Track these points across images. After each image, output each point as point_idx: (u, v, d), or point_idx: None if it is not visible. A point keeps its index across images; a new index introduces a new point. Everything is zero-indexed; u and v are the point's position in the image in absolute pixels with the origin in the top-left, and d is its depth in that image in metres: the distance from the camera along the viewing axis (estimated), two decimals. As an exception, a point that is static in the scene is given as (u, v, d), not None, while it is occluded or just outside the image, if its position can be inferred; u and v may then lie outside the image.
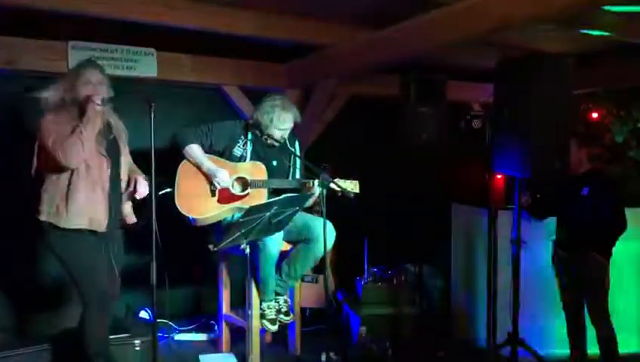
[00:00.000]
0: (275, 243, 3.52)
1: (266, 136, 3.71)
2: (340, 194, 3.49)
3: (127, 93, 3.16)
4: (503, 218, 3.74)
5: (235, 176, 3.65)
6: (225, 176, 3.60)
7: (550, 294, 3.88)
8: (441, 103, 4.01)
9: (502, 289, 3.68)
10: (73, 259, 2.99)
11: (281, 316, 3.79)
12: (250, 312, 3.40)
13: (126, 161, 3.21)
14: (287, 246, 3.76)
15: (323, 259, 3.48)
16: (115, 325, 3.48)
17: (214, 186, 3.60)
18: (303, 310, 4.40)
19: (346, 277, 4.82)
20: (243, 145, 3.74)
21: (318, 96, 4.75)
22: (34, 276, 4.11)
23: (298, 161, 3.84)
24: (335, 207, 3.43)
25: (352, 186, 3.59)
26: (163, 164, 2.98)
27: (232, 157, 3.72)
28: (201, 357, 3.82)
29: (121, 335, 3.55)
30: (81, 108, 2.96)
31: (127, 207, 3.20)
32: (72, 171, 2.92)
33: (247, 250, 3.10)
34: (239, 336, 3.86)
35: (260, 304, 3.72)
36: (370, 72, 4.53)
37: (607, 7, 3.38)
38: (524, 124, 3.31)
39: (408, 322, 4.41)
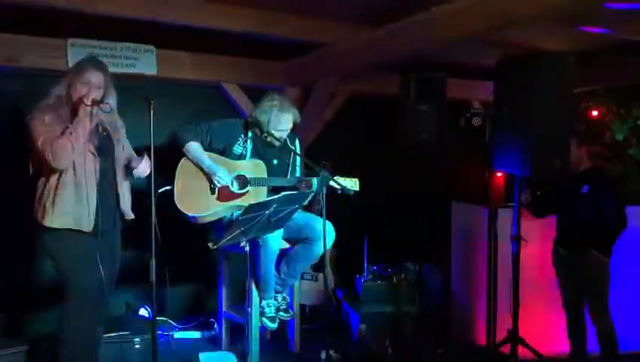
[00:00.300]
0: (276, 240, 3.52)
1: (265, 135, 3.71)
2: (339, 191, 3.49)
3: (126, 90, 3.16)
4: (503, 216, 3.74)
5: (234, 174, 3.65)
6: (224, 174, 3.60)
7: (550, 292, 3.88)
8: (441, 101, 4.01)
9: (502, 287, 3.68)
10: (59, 259, 2.97)
11: (281, 313, 3.79)
12: (250, 310, 3.40)
13: (125, 155, 3.16)
14: (286, 245, 3.76)
15: (323, 256, 3.48)
16: (115, 323, 3.48)
17: (214, 184, 3.60)
18: (302, 307, 4.40)
19: (345, 275, 4.82)
20: (243, 144, 3.74)
21: (318, 95, 4.74)
22: (33, 276, 4.09)
23: (298, 159, 3.84)
24: (335, 205, 3.43)
25: (352, 184, 3.59)
26: (163, 162, 2.98)
27: (231, 156, 3.72)
28: (200, 354, 3.81)
29: (120, 333, 3.56)
30: (73, 108, 2.91)
31: (126, 204, 3.17)
32: (61, 171, 2.89)
33: (247, 248, 3.10)
34: (239, 334, 3.86)
35: (260, 302, 3.72)
36: (370, 70, 4.52)
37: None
38: (524, 122, 3.31)
39: (408, 320, 4.40)
